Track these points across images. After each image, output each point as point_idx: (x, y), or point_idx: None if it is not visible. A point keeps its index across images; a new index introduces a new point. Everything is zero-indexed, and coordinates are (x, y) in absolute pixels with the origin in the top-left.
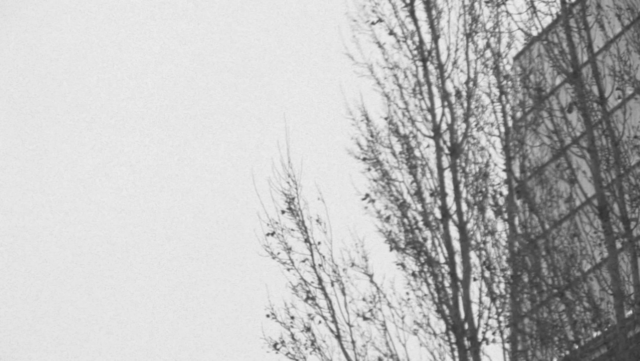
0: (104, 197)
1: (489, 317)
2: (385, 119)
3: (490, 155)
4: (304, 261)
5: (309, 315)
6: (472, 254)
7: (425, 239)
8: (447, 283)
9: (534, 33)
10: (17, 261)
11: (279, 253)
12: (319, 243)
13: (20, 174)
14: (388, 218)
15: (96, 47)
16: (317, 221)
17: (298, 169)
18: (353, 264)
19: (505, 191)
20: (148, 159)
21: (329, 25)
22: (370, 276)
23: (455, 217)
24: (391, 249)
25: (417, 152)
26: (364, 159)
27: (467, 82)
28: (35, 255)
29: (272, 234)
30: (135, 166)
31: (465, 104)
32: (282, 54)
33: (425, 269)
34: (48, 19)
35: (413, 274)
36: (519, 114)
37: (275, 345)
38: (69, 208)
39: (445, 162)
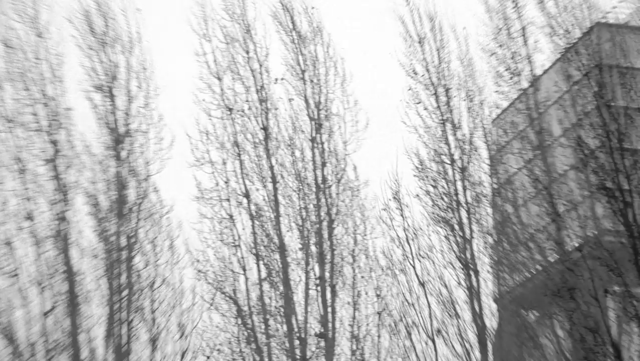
0: None
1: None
2: (416, 155)
3: (484, 172)
4: (399, 226)
5: (403, 254)
6: (474, 226)
7: (451, 218)
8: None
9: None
10: None
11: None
12: (408, 216)
13: None
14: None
15: None
16: (406, 205)
17: (401, 176)
18: (420, 228)
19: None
20: None
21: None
22: (428, 235)
23: (464, 206)
24: (429, 224)
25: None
26: (415, 176)
27: (469, 133)
28: None
29: (385, 210)
30: None
31: (468, 145)
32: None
33: (450, 233)
34: None
35: (445, 236)
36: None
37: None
38: None
39: (458, 177)
